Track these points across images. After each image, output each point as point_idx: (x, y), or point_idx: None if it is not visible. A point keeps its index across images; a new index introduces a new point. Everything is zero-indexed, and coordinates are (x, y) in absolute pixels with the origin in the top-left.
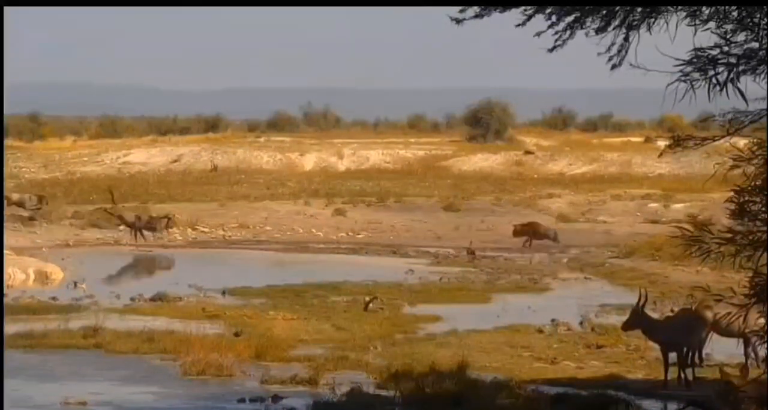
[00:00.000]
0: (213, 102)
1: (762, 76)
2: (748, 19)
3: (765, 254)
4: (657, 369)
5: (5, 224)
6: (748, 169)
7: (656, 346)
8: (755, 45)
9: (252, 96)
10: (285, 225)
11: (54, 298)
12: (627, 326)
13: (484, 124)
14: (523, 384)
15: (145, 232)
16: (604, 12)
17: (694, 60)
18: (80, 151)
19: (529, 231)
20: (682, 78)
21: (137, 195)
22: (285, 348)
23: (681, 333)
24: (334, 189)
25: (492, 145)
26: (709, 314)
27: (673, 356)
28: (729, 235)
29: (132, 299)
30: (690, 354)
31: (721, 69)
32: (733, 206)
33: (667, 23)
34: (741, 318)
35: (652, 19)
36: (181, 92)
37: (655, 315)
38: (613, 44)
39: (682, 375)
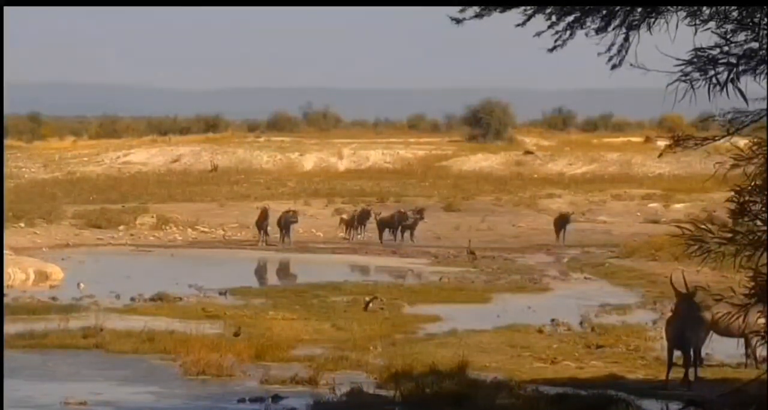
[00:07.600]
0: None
1: (762, 76)
2: (748, 19)
3: (765, 254)
4: (657, 369)
5: None
6: (748, 169)
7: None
8: (755, 45)
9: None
10: None
11: (54, 298)
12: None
13: (484, 124)
14: (523, 384)
15: None
16: (604, 12)
17: (694, 60)
18: (80, 151)
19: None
20: (682, 78)
21: (137, 195)
22: (285, 348)
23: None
24: (334, 189)
25: (492, 145)
26: (708, 314)
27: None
28: (729, 235)
29: (132, 299)
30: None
31: (721, 69)
32: (733, 206)
33: (667, 23)
34: (741, 318)
35: (652, 19)
36: (181, 92)
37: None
38: (613, 44)
39: (688, 374)
